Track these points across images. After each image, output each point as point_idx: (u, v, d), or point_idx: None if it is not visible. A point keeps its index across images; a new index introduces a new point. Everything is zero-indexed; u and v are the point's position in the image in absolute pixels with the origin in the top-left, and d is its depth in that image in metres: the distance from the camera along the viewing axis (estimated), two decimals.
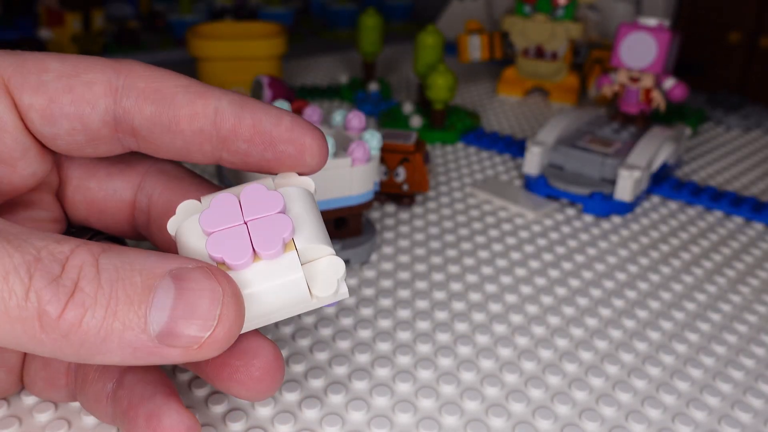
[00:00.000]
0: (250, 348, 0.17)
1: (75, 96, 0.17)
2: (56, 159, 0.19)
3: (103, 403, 0.18)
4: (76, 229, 0.21)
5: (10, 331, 0.13)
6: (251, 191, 0.16)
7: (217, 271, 0.15)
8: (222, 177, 0.36)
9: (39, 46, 0.61)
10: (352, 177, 0.27)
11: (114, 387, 0.17)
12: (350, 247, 0.28)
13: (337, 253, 0.28)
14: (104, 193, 0.20)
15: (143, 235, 0.21)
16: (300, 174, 0.18)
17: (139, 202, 0.20)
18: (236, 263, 0.15)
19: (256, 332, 0.17)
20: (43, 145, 0.18)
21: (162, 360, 0.14)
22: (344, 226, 0.28)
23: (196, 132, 0.17)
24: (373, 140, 0.27)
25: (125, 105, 0.17)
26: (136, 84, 0.17)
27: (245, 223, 0.16)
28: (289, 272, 0.15)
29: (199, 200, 0.17)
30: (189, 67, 0.54)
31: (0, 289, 0.13)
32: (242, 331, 0.15)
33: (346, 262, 0.28)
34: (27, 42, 0.60)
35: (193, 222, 0.16)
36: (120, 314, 0.14)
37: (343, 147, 0.28)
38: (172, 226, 0.17)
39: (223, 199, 0.16)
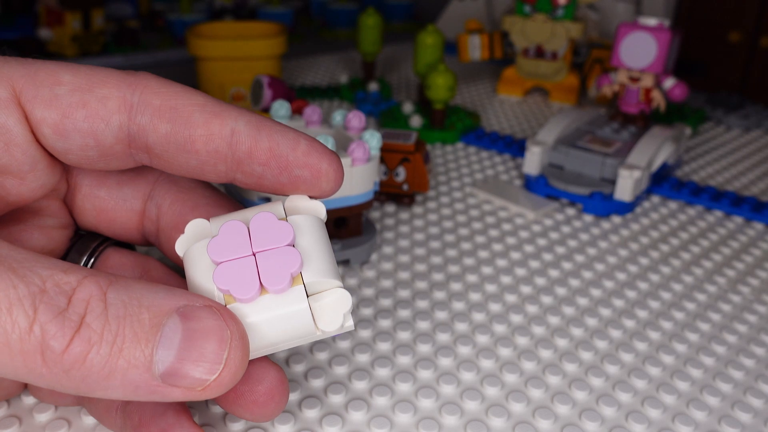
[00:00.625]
0: (255, 373, 0.17)
1: (89, 111, 0.17)
2: (65, 167, 0.19)
3: (113, 415, 0.18)
4: (86, 233, 0.21)
5: (9, 363, 0.13)
6: (261, 221, 0.16)
7: (225, 312, 0.15)
8: (228, 190, 0.36)
9: (39, 45, 0.61)
10: (352, 177, 0.27)
11: (124, 401, 0.17)
12: (350, 247, 0.28)
13: (337, 253, 0.28)
14: (114, 202, 0.20)
15: (152, 243, 0.21)
16: (312, 197, 0.17)
17: (148, 211, 0.20)
18: (243, 297, 0.15)
19: (262, 357, 0.17)
20: (53, 158, 0.18)
21: (163, 398, 0.14)
22: (344, 226, 0.28)
23: (211, 153, 0.17)
24: (373, 140, 0.27)
25: (140, 122, 0.17)
26: (152, 101, 0.17)
27: (254, 254, 0.15)
28: (295, 306, 0.15)
29: (208, 219, 0.17)
30: (189, 67, 0.54)
31: (3, 321, 0.13)
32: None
33: (346, 261, 0.28)
34: (27, 41, 0.60)
35: (201, 248, 0.16)
36: (125, 352, 0.14)
37: (343, 147, 0.28)
38: (180, 246, 0.17)
39: (233, 227, 0.16)
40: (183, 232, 0.18)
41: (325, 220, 0.18)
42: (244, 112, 0.17)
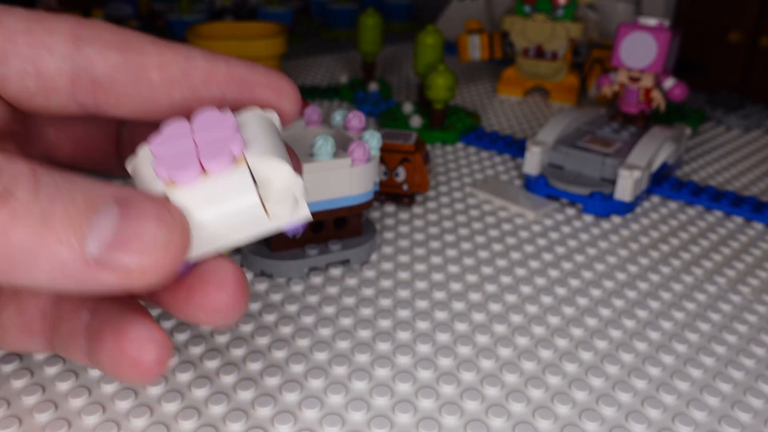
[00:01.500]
0: (207, 268, 0.15)
1: (33, 39, 0.16)
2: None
3: (77, 340, 0.16)
4: None
5: None
6: (203, 114, 0.15)
7: (165, 201, 0.14)
8: None
9: None
10: (352, 177, 0.27)
11: (87, 319, 0.16)
12: (350, 247, 0.28)
13: (337, 253, 0.28)
14: (88, 128, 0.19)
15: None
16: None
17: (122, 136, 0.20)
18: (182, 177, 0.14)
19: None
20: None
21: (96, 285, 0.13)
22: (344, 226, 0.28)
23: (165, 80, 0.16)
24: (373, 140, 0.27)
25: (87, 53, 0.16)
26: (102, 35, 0.16)
27: (194, 141, 0.15)
28: (239, 187, 0.14)
29: None
30: None
31: None
32: (196, 257, 0.15)
33: (346, 261, 0.28)
34: None
35: (146, 151, 0.15)
36: (56, 229, 0.12)
37: (342, 147, 0.28)
38: (130, 165, 0.16)
39: (174, 123, 0.15)
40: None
41: (278, 124, 0.17)
42: (197, 47, 0.17)
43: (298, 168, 0.17)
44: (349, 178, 0.27)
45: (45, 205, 0.13)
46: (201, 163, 0.14)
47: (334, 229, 0.28)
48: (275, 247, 0.27)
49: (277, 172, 0.15)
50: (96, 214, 0.13)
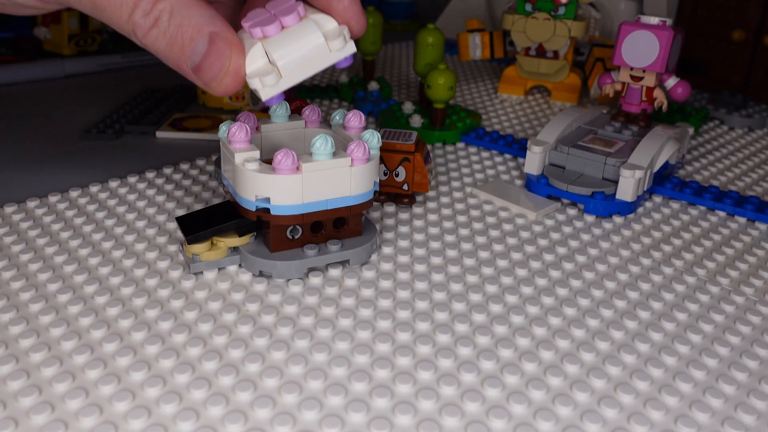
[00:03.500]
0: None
1: None
2: None
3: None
4: None
5: (118, 28, 0.24)
6: (275, 1, 0.24)
7: (235, 44, 0.24)
8: (219, 176, 0.36)
9: (35, 44, 0.60)
10: (352, 177, 0.26)
11: None
12: (350, 247, 0.28)
13: (337, 253, 0.27)
14: None
15: None
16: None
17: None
18: (270, 31, 0.23)
19: None
20: None
21: (191, 79, 0.24)
22: (344, 226, 0.28)
23: None
24: (373, 139, 0.27)
25: None
26: None
27: (271, 13, 0.24)
28: (309, 32, 0.24)
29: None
30: None
31: (117, 14, 0.24)
32: (285, 85, 0.24)
33: (346, 262, 0.28)
34: (23, 40, 0.60)
35: (242, 31, 0.25)
36: (176, 48, 0.24)
37: (342, 147, 0.28)
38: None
39: (256, 9, 0.25)
40: None
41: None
42: None
43: (354, 17, 0.25)
44: (349, 178, 0.26)
45: (172, 30, 0.24)
46: (280, 22, 0.24)
47: (333, 230, 0.28)
48: (274, 247, 0.27)
49: (330, 21, 0.24)
50: (194, 44, 0.24)
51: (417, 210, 0.34)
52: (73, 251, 0.29)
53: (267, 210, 0.26)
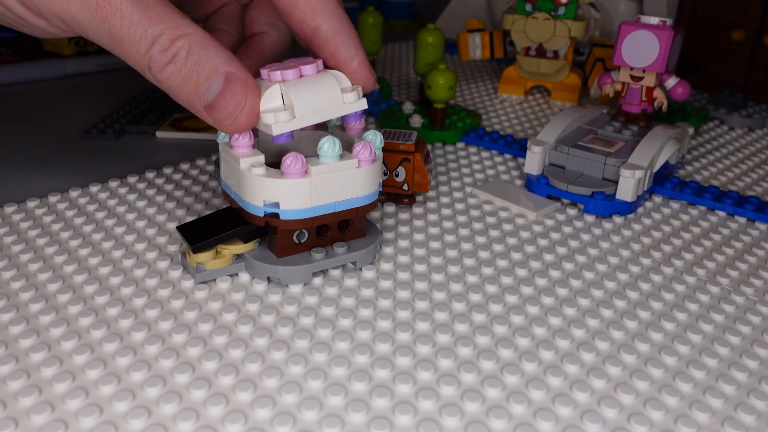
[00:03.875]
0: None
1: None
2: None
3: None
4: None
5: (132, 62, 0.24)
6: (292, 59, 0.27)
7: (250, 86, 0.24)
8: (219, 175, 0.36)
9: (35, 44, 0.60)
10: (359, 178, 0.26)
11: None
12: (356, 249, 0.28)
13: (344, 256, 0.27)
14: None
15: None
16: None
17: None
18: (289, 76, 0.25)
19: None
20: None
21: (204, 119, 0.25)
22: (348, 228, 0.28)
23: (297, 28, 0.28)
24: (377, 140, 0.27)
25: None
26: None
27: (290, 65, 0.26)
28: (326, 82, 0.25)
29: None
30: None
31: (135, 47, 0.24)
32: (297, 125, 0.25)
33: (353, 263, 0.28)
34: (23, 40, 0.60)
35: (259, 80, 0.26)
36: (190, 85, 0.24)
37: (343, 148, 0.28)
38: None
39: (275, 63, 0.26)
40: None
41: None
42: (336, 10, 0.27)
43: (363, 78, 0.27)
44: (357, 180, 0.26)
45: (187, 69, 0.24)
46: (300, 70, 0.25)
47: (338, 232, 0.28)
48: (281, 252, 0.27)
49: (346, 79, 0.26)
50: (209, 83, 0.24)
51: (417, 210, 0.34)
52: (73, 251, 0.29)
53: (276, 215, 0.25)
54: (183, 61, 0.24)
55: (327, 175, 0.25)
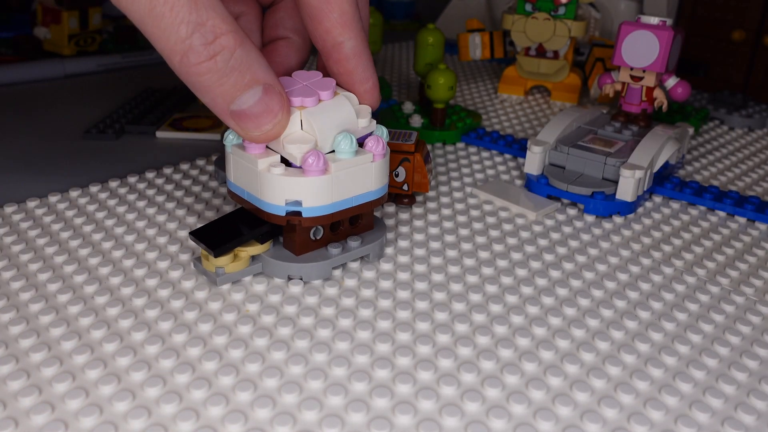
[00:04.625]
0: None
1: None
2: None
3: None
4: None
5: (165, 47, 0.22)
6: (302, 74, 0.26)
7: (286, 103, 0.24)
8: (218, 175, 0.36)
9: (35, 44, 0.60)
10: (374, 172, 0.27)
11: None
12: (367, 242, 0.28)
13: (357, 250, 0.28)
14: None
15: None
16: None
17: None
18: (308, 102, 0.25)
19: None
20: None
21: (229, 125, 0.24)
22: (359, 221, 0.28)
23: (318, 42, 0.26)
24: (384, 133, 0.28)
25: None
26: None
27: (305, 85, 0.26)
28: (342, 104, 0.26)
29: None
30: None
31: (174, 29, 0.21)
32: (317, 146, 0.25)
33: (366, 257, 0.28)
34: (23, 40, 0.60)
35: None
36: (224, 88, 0.22)
37: None
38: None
39: (286, 78, 0.26)
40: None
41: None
42: (362, 30, 0.26)
43: (373, 99, 0.28)
44: (372, 174, 0.26)
45: (227, 71, 0.22)
46: (319, 96, 0.25)
47: (350, 226, 0.28)
48: (300, 249, 0.27)
49: (355, 99, 0.27)
50: (249, 90, 0.23)
51: (417, 210, 0.34)
52: (73, 251, 0.29)
53: (298, 213, 0.25)
54: (225, 62, 0.22)
55: (346, 170, 0.25)
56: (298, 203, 0.25)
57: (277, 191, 0.25)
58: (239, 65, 0.22)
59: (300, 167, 0.25)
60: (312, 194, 0.25)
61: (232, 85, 0.22)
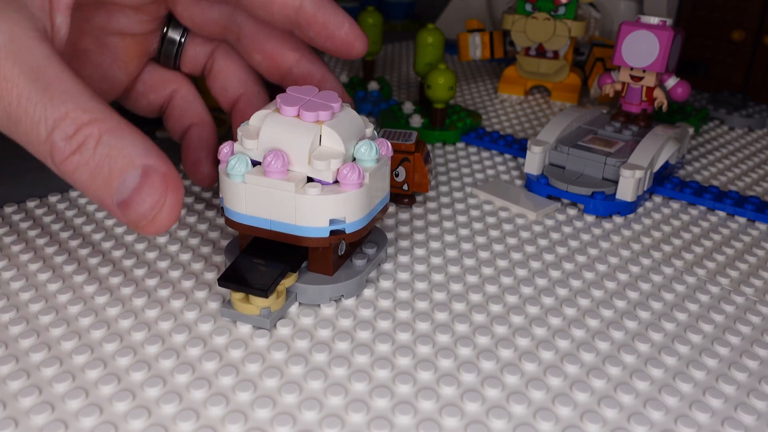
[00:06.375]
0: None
1: None
2: None
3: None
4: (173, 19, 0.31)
5: (32, 149, 0.21)
6: (305, 88, 0.25)
7: (171, 181, 0.20)
8: None
9: None
10: (387, 177, 0.26)
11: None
12: (381, 247, 0.28)
13: (375, 258, 0.27)
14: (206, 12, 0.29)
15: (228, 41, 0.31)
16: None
17: (231, 23, 0.30)
18: (325, 116, 0.24)
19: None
20: None
21: (119, 218, 0.21)
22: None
23: (282, 14, 0.26)
24: (376, 136, 0.27)
25: None
26: None
27: (309, 98, 0.25)
28: (353, 115, 0.25)
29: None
30: None
31: (34, 131, 0.20)
32: (340, 164, 0.24)
33: (378, 265, 0.28)
34: None
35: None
36: (98, 179, 0.20)
37: None
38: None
39: (286, 95, 0.25)
40: (256, 51, 0.30)
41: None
42: None
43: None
44: (386, 180, 0.26)
45: (97, 161, 0.20)
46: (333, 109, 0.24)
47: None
48: (334, 269, 0.26)
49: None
50: (123, 177, 0.20)
51: (417, 210, 0.34)
52: (73, 251, 0.29)
53: (341, 231, 0.24)
54: (91, 152, 0.20)
55: (374, 179, 0.25)
56: (342, 221, 0.24)
57: (319, 212, 0.23)
58: (109, 151, 0.20)
59: (334, 183, 0.24)
60: (353, 209, 0.24)
61: (107, 175, 0.20)
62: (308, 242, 0.24)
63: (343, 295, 0.26)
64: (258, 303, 0.23)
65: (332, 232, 0.24)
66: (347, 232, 0.24)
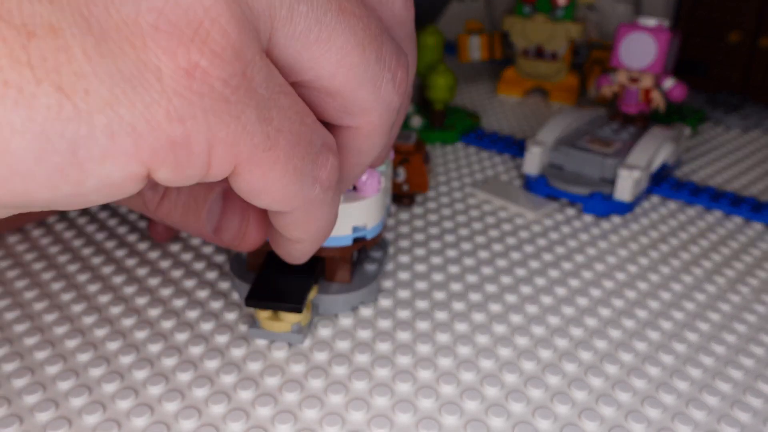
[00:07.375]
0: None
1: None
2: None
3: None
4: None
5: (129, 204, 0.21)
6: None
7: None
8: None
9: None
10: (389, 182, 0.27)
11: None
12: (384, 248, 0.28)
13: (384, 260, 0.27)
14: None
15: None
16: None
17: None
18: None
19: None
20: None
21: (222, 246, 0.22)
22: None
23: None
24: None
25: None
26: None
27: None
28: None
29: None
30: None
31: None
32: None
33: (381, 269, 0.28)
34: None
35: None
36: (190, 213, 0.21)
37: None
38: None
39: None
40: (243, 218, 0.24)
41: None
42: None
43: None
44: (389, 181, 0.26)
45: (183, 198, 0.21)
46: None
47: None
48: (351, 276, 0.26)
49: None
50: (208, 204, 0.21)
51: (417, 210, 0.34)
52: (76, 251, 0.29)
53: (363, 238, 0.24)
54: (176, 192, 0.21)
55: (387, 184, 0.25)
56: (363, 227, 0.24)
57: (343, 220, 0.23)
58: (189, 188, 0.21)
59: (351, 191, 0.24)
60: (374, 214, 0.24)
61: (195, 207, 0.21)
62: (331, 252, 0.24)
63: (362, 301, 0.25)
64: (289, 319, 0.23)
65: (354, 240, 0.24)
66: (368, 238, 0.24)
